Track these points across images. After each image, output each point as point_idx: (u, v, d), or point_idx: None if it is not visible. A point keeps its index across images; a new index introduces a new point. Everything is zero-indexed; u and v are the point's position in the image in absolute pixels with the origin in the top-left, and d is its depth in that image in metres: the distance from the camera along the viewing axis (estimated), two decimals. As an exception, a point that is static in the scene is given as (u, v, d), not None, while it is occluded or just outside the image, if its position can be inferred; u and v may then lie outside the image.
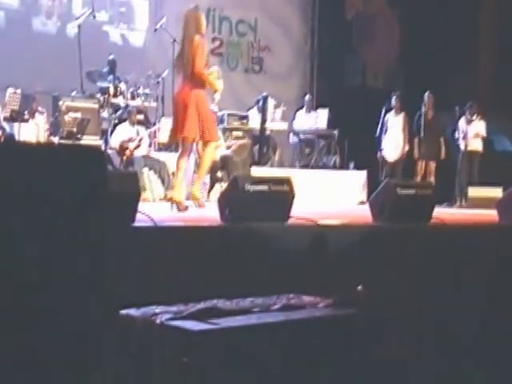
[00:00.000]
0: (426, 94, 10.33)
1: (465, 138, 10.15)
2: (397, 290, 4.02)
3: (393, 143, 10.39)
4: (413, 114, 10.40)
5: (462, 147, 10.22)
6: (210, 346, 2.30)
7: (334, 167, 10.82)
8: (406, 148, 10.40)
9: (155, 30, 10.17)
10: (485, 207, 6.91)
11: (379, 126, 10.42)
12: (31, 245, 2.09)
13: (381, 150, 10.42)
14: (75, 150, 2.51)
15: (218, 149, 9.16)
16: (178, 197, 5.97)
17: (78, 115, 8.26)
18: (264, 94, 10.56)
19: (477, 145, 10.31)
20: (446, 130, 10.63)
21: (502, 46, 13.46)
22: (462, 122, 10.28)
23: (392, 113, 10.43)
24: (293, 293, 2.94)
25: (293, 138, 11.21)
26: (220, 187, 8.46)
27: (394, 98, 10.43)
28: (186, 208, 5.92)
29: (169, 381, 2.32)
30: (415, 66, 12.67)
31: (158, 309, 2.55)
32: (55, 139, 8.10)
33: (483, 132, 10.33)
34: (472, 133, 10.20)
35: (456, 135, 10.35)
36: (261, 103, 10.45)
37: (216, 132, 6.41)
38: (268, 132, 10.55)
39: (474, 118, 10.26)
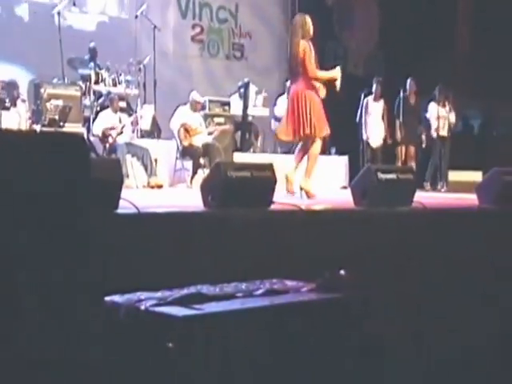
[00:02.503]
0: (409, 80, 10.37)
1: (435, 122, 10.22)
2: (379, 273, 4.07)
3: (375, 129, 10.45)
4: (392, 100, 10.45)
5: (433, 132, 10.30)
6: (194, 332, 2.31)
7: (316, 152, 10.85)
8: (385, 134, 10.47)
9: (136, 16, 10.14)
10: (464, 191, 6.98)
11: (359, 110, 10.48)
12: (14, 232, 2.09)
13: (364, 134, 10.48)
14: (57, 137, 2.51)
15: (200, 135, 9.19)
16: (306, 185, 6.41)
17: (60, 103, 8.23)
18: (245, 80, 10.57)
19: (444, 130, 10.35)
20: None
21: (480, 30, 13.57)
22: (432, 107, 10.35)
23: (371, 98, 10.48)
24: (276, 278, 2.96)
25: (274, 124, 11.21)
26: (203, 173, 8.47)
27: (375, 83, 10.47)
28: (314, 196, 6.33)
29: (154, 366, 2.34)
30: (395, 52, 12.71)
31: (142, 295, 2.54)
32: (37, 127, 8.06)
33: (452, 119, 10.38)
34: (442, 118, 10.26)
35: (427, 119, 10.43)
36: (242, 90, 10.46)
37: (323, 129, 6.74)
38: (250, 118, 10.58)
39: (446, 104, 10.30)
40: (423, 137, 10.45)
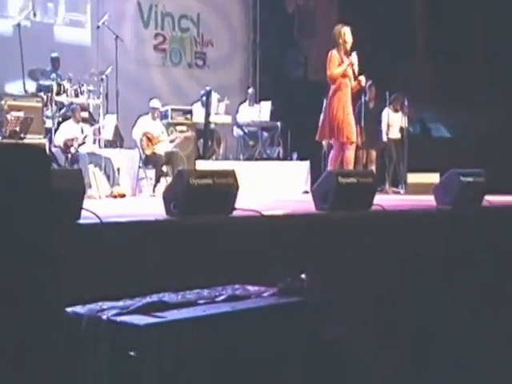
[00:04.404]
0: (367, 85, 10.49)
1: (388, 127, 10.36)
2: (341, 276, 4.13)
3: None
4: (353, 104, 10.55)
5: (384, 136, 10.44)
6: (157, 340, 2.31)
7: (278, 158, 10.96)
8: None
9: (98, 27, 10.11)
10: (423, 193, 7.08)
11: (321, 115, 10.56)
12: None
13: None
14: (17, 148, 2.51)
15: (162, 144, 9.20)
16: None
17: (21, 114, 8.15)
18: (207, 88, 10.59)
19: (397, 133, 10.48)
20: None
21: (437, 39, 13.82)
22: (385, 113, 10.49)
23: None
24: (238, 283, 2.99)
25: (237, 131, 11.28)
26: (165, 182, 8.47)
27: None
28: None
29: (117, 376, 2.34)
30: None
31: (104, 305, 2.54)
32: (-2, 139, 7.98)
33: (404, 123, 10.51)
34: (395, 123, 10.39)
35: (381, 125, 10.57)
36: (204, 98, 10.48)
37: (344, 134, 7.09)
38: (212, 126, 10.60)
39: (398, 110, 10.44)
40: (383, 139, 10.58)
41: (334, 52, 7.03)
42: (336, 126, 7.04)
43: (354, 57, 7.03)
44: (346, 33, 7.04)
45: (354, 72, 7.05)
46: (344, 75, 7.01)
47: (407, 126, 10.48)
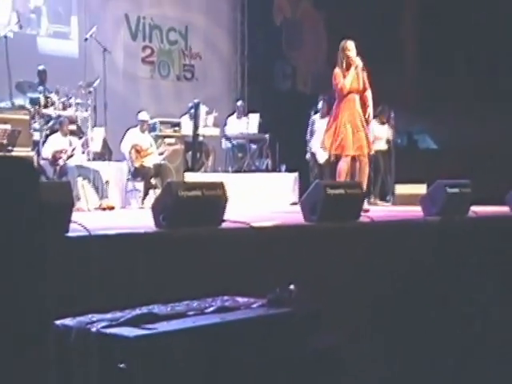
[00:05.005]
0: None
1: (374, 140, 10.38)
2: (330, 287, 4.14)
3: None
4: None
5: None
6: (146, 352, 2.31)
7: (267, 170, 11.00)
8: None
9: (86, 39, 10.12)
10: (411, 204, 7.12)
11: (308, 128, 10.63)
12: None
13: (310, 152, 10.62)
14: (4, 161, 2.51)
15: (151, 156, 9.21)
16: None
17: (8, 127, 8.14)
18: (196, 100, 10.63)
19: (384, 145, 10.51)
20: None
21: (425, 50, 13.95)
22: (371, 126, 10.53)
23: (318, 116, 10.64)
24: (228, 295, 3.00)
25: (225, 143, 11.30)
26: (154, 194, 8.48)
27: (320, 101, 10.64)
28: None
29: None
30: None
31: (93, 317, 2.54)
32: (-15, 152, 7.95)
33: (390, 135, 10.55)
34: (382, 135, 10.42)
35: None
36: (193, 110, 10.51)
37: (343, 147, 7.16)
38: (201, 138, 10.63)
39: (385, 122, 10.48)
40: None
41: (336, 70, 7.11)
42: (332, 137, 7.14)
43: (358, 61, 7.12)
44: (348, 47, 7.10)
45: (364, 81, 7.11)
46: (351, 90, 7.06)
47: (394, 138, 10.51)
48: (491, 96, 12.43)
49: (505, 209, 6.26)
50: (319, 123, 10.63)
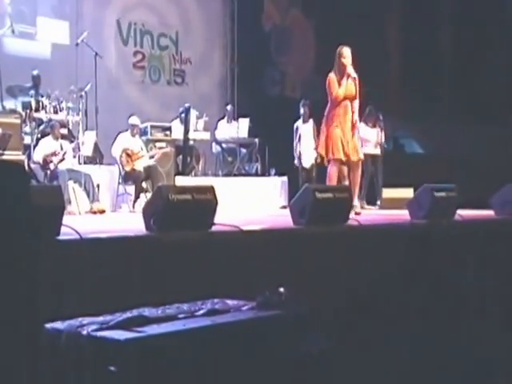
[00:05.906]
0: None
1: (364, 143, 10.39)
2: (319, 289, 4.17)
3: (306, 150, 10.63)
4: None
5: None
6: (137, 354, 2.32)
7: (256, 174, 11.03)
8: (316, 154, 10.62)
9: (77, 44, 10.13)
10: (398, 207, 7.15)
11: (294, 134, 10.71)
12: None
13: (297, 157, 10.67)
14: (-4, 165, 2.52)
15: (142, 160, 9.24)
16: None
17: (-1, 130, 8.14)
18: (186, 105, 10.65)
19: (372, 149, 10.51)
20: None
21: (408, 56, 14.05)
22: (361, 128, 10.55)
23: (300, 121, 10.69)
24: (218, 298, 3.02)
25: (215, 148, 11.33)
26: (145, 198, 8.49)
27: (302, 106, 10.69)
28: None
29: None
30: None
31: (84, 320, 2.55)
32: (-24, 156, 7.95)
33: (382, 139, 10.55)
34: (371, 139, 10.44)
35: None
36: (183, 114, 10.53)
37: (332, 151, 7.29)
38: (191, 142, 10.65)
39: (375, 125, 10.48)
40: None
41: (331, 75, 7.18)
42: (324, 142, 7.24)
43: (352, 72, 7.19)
44: (343, 53, 7.17)
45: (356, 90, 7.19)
46: (345, 97, 7.15)
47: (383, 141, 10.53)
48: (475, 104, 12.57)
49: (490, 212, 6.32)
50: (302, 128, 10.70)
